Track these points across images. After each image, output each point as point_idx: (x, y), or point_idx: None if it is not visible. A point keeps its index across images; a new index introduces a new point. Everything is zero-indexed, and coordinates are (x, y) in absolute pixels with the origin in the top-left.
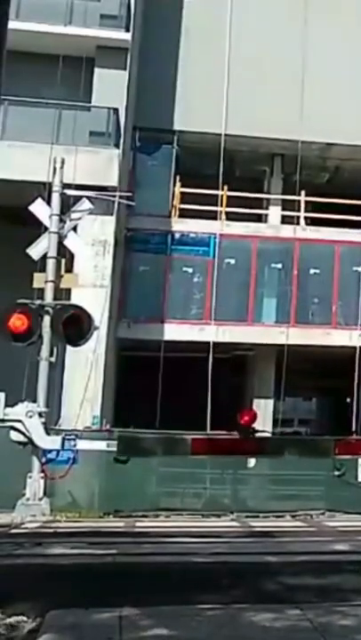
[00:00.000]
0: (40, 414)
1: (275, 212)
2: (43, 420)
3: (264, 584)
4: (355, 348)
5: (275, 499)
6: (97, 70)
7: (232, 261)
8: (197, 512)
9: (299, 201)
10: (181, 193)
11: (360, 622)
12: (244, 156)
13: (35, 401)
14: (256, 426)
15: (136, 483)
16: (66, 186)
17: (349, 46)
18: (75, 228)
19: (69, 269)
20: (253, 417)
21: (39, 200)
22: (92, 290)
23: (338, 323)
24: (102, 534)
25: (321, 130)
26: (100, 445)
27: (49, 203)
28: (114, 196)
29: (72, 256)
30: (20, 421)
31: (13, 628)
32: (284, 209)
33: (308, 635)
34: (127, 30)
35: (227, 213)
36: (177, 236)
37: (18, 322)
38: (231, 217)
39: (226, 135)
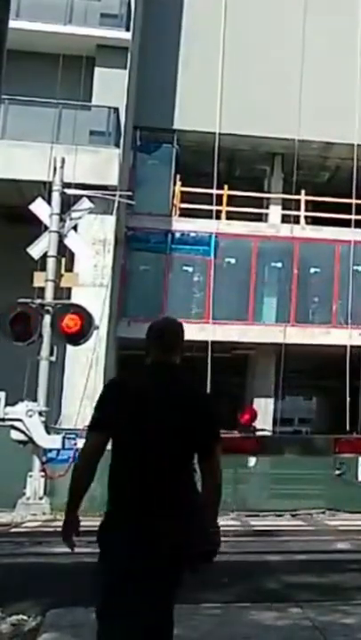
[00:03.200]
0: (40, 413)
1: (275, 212)
2: (43, 419)
3: (264, 583)
4: (355, 347)
5: (275, 497)
6: (97, 70)
7: (232, 260)
8: None
9: (299, 200)
10: (181, 192)
11: None
12: (245, 156)
13: (35, 400)
14: (256, 424)
15: None
16: (66, 185)
17: (349, 45)
18: (75, 228)
19: (69, 268)
20: (254, 416)
21: (39, 199)
22: (92, 289)
23: (338, 322)
24: None
25: (321, 129)
26: None
27: (49, 202)
28: (114, 195)
29: (72, 255)
30: (20, 420)
31: (14, 627)
32: (284, 208)
33: (309, 633)
34: (127, 29)
35: (227, 212)
36: (177, 235)
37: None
38: (231, 216)
39: (226, 134)
